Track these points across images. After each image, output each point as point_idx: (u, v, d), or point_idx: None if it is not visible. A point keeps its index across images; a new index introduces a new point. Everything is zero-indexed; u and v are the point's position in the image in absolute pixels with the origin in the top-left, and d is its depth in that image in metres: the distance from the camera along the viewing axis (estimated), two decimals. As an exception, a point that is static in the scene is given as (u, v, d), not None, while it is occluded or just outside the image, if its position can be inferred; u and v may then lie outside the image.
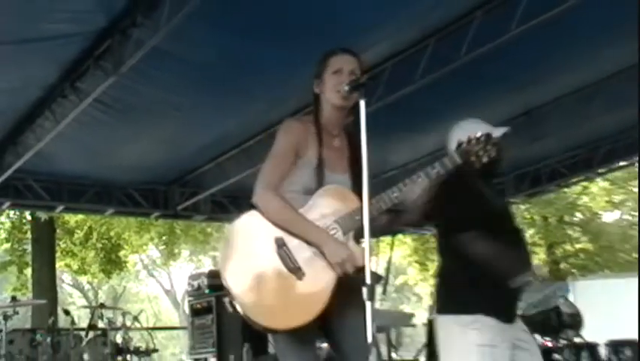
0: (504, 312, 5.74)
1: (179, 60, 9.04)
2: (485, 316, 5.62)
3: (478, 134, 4.48)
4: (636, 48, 9.65)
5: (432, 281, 33.01)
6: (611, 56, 9.99)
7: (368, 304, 3.92)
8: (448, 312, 5.92)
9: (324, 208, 4.46)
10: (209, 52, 9.00)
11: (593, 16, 8.56)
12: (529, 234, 31.00)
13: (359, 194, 4.14)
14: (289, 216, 4.43)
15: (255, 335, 11.92)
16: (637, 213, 31.79)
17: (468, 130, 6.06)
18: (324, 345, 5.68)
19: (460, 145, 4.53)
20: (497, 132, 5.91)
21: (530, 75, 10.27)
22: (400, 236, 22.51)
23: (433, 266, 31.47)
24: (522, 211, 27.84)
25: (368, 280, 3.97)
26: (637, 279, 14.87)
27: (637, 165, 17.04)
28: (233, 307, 4.35)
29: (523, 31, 8.53)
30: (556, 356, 12.49)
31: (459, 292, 5.87)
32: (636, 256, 30.76)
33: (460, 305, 5.81)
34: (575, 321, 12.92)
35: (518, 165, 13.90)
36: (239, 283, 4.35)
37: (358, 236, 4.27)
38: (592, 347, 10.35)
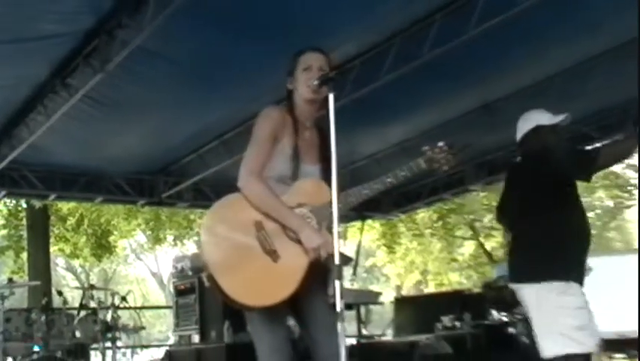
0: (582, 278, 6.17)
1: (163, 58, 9.04)
2: (575, 282, 6.05)
3: (440, 144, 4.51)
4: (579, 48, 9.78)
5: (398, 263, 33.27)
6: (561, 54, 10.06)
7: (337, 282, 3.95)
8: (540, 280, 6.12)
9: (301, 198, 4.51)
10: (190, 51, 9.00)
11: (545, 16, 8.60)
12: (487, 219, 31.23)
13: (328, 184, 4.19)
14: (271, 202, 4.46)
15: (234, 313, 11.86)
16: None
17: (529, 120, 6.46)
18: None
19: (424, 152, 4.52)
20: (557, 119, 6.51)
21: (488, 71, 10.32)
22: (369, 221, 22.53)
23: (400, 249, 31.82)
24: (481, 198, 27.95)
25: (337, 261, 4.00)
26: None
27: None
28: (211, 282, 4.37)
29: (481, 31, 8.57)
30: (510, 329, 12.60)
31: (552, 260, 6.16)
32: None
33: (553, 273, 6.10)
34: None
35: (477, 154, 13.91)
36: (218, 262, 4.38)
37: (331, 225, 4.23)
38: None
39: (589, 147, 6.69)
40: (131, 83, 9.65)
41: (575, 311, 6.02)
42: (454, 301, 13.72)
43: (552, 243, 6.25)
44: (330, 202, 4.15)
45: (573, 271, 6.14)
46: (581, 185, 6.49)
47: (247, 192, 4.47)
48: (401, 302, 16.31)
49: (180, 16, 7.71)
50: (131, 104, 10.53)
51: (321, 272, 4.35)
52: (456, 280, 33.85)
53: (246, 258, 4.35)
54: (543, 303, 6.16)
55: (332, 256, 4.09)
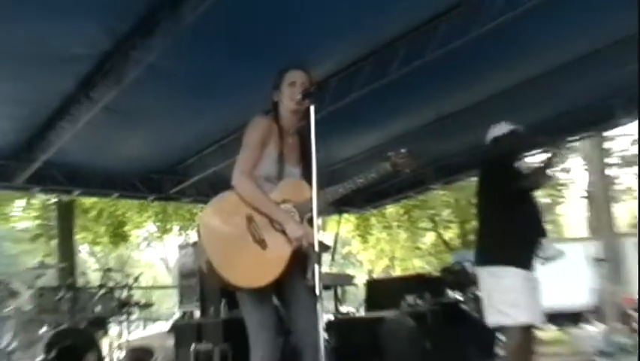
0: (527, 263, 6.28)
1: (169, 74, 9.08)
2: (513, 267, 6.23)
3: (403, 151, 4.53)
4: (517, 72, 9.87)
5: (370, 251, 33.40)
6: (501, 77, 10.37)
7: (316, 266, 3.96)
8: (484, 265, 6.45)
9: (285, 195, 4.53)
10: (193, 69, 9.07)
11: (488, 44, 8.74)
12: (445, 213, 31.36)
13: (308, 182, 4.22)
14: (261, 198, 4.47)
15: (230, 293, 11.93)
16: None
17: (496, 130, 6.72)
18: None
19: (389, 157, 4.54)
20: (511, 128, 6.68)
21: (446, 88, 10.47)
22: (345, 215, 22.58)
23: (372, 239, 32.00)
24: (440, 196, 28.06)
25: (317, 248, 4.03)
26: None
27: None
28: (208, 267, 4.37)
29: (439, 54, 8.76)
30: (464, 306, 12.66)
31: (495, 248, 6.44)
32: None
33: (494, 259, 6.37)
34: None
35: (439, 158, 13.99)
36: (215, 249, 4.38)
37: (311, 218, 4.25)
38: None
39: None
40: (141, 96, 9.68)
41: (508, 291, 6.20)
42: (416, 283, 13.73)
43: (500, 234, 6.48)
44: (311, 199, 4.16)
45: (513, 257, 6.26)
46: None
47: (240, 190, 4.47)
48: (372, 284, 16.31)
49: (184, 38, 7.77)
50: (142, 114, 10.61)
51: (301, 259, 4.36)
52: (419, 265, 33.90)
53: (238, 246, 4.36)
54: (485, 283, 6.45)
55: (312, 244, 4.10)
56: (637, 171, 24.14)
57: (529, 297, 6.19)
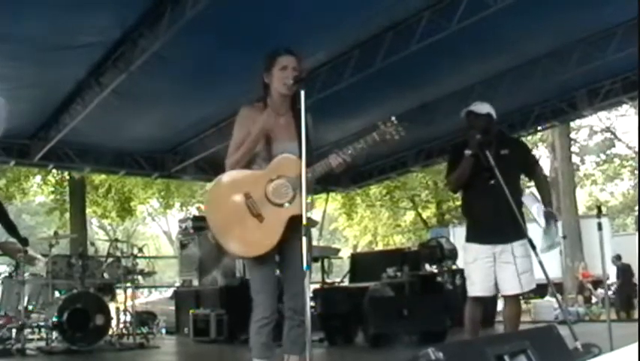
0: (484, 238, 6.08)
1: (173, 63, 9.10)
2: (470, 243, 6.22)
3: (392, 118, 4.52)
4: (491, 65, 9.82)
5: (355, 227, 33.54)
6: (477, 69, 10.52)
7: (304, 238, 3.97)
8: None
9: (280, 172, 4.49)
10: (194, 57, 9.11)
11: (465, 39, 8.83)
12: (424, 194, 31.46)
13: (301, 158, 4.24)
14: (239, 154, 4.58)
15: (225, 263, 12.09)
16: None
17: (472, 107, 6.29)
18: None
19: (378, 127, 4.50)
20: (485, 108, 6.31)
21: (425, 79, 10.59)
22: (332, 194, 22.62)
23: (357, 216, 32.08)
24: (419, 178, 28.13)
25: (304, 221, 4.05)
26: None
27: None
28: (215, 240, 4.44)
29: (420, 48, 8.83)
30: (439, 278, 12.74)
31: (466, 225, 6.47)
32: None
33: (465, 236, 6.37)
34: (452, 254, 13.28)
35: (417, 143, 14.02)
36: (218, 225, 4.47)
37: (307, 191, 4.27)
38: (463, 272, 10.47)
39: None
40: (148, 82, 9.67)
41: (466, 265, 6.32)
42: (396, 256, 13.80)
43: (464, 212, 6.67)
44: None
45: (472, 235, 6.25)
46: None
47: (230, 170, 4.58)
48: (356, 257, 16.42)
49: (187, 29, 7.78)
50: (148, 98, 10.65)
51: (299, 229, 4.37)
52: (399, 240, 34.09)
53: (239, 220, 4.40)
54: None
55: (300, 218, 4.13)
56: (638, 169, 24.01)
57: (480, 271, 6.07)
